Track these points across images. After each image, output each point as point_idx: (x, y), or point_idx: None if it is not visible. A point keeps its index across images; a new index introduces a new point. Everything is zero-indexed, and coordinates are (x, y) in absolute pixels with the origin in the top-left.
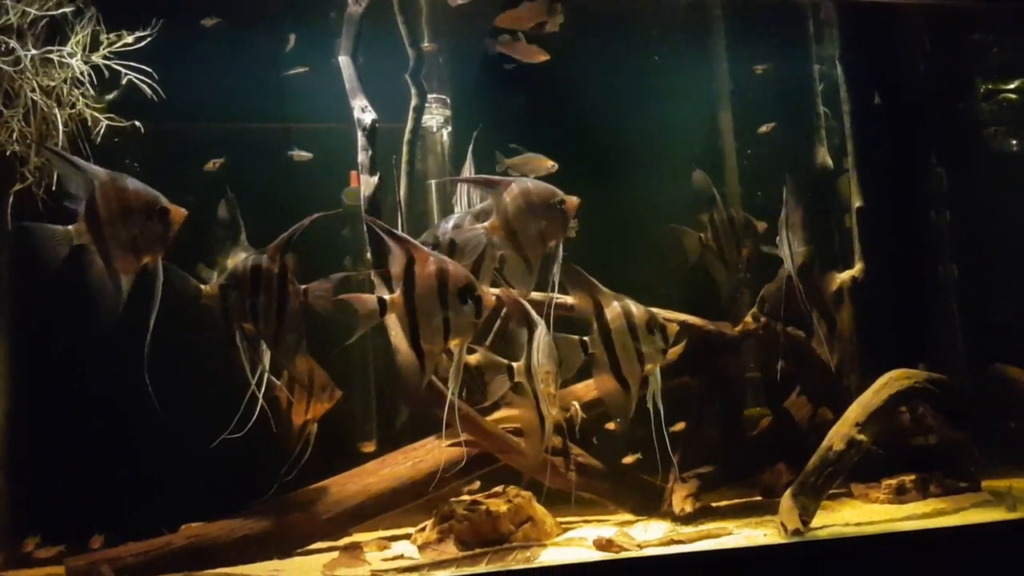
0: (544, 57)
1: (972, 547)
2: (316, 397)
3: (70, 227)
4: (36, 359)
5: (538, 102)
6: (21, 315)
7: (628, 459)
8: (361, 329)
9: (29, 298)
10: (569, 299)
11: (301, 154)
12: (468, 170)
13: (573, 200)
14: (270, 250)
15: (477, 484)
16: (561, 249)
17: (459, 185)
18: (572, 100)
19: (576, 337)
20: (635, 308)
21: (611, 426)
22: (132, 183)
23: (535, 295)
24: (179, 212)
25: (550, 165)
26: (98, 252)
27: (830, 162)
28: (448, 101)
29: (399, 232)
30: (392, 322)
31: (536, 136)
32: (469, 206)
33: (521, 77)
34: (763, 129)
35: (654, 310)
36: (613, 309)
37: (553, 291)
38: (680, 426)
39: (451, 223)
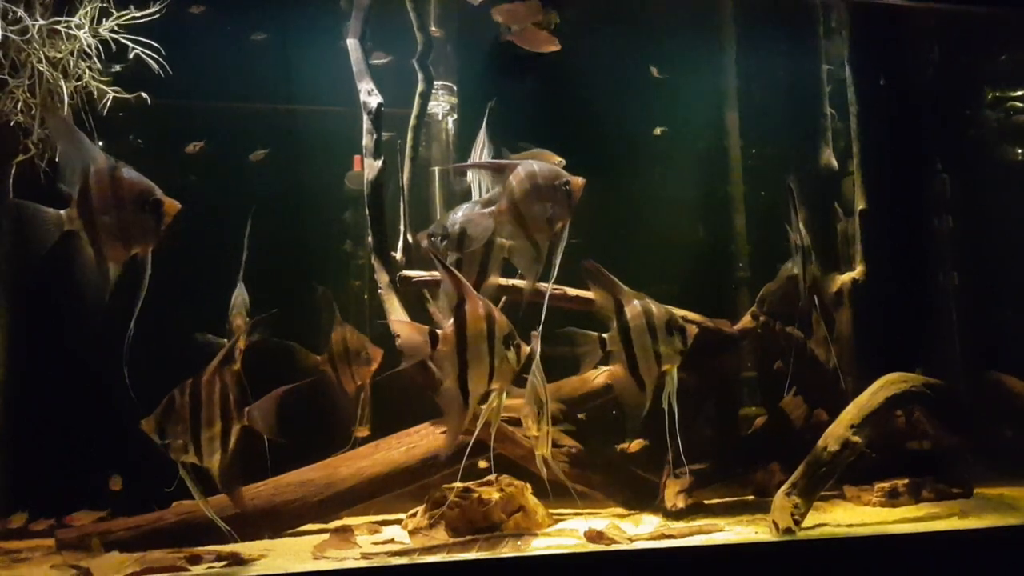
0: (556, 47)
1: (963, 552)
2: (356, 363)
3: (62, 212)
4: (34, 332)
5: (546, 90)
6: (20, 289)
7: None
8: (411, 360)
9: (27, 272)
10: (571, 290)
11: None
12: (480, 146)
13: (578, 181)
14: (209, 370)
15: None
16: (567, 232)
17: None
18: (578, 89)
19: (595, 334)
20: (655, 308)
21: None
22: (128, 172)
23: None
24: (172, 205)
25: (557, 161)
26: (88, 240)
27: (835, 163)
28: (454, 88)
29: (454, 270)
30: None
31: (542, 125)
32: (480, 185)
33: (529, 65)
34: (657, 131)
35: (674, 310)
36: (633, 308)
37: (553, 273)
38: (636, 445)
39: (460, 214)
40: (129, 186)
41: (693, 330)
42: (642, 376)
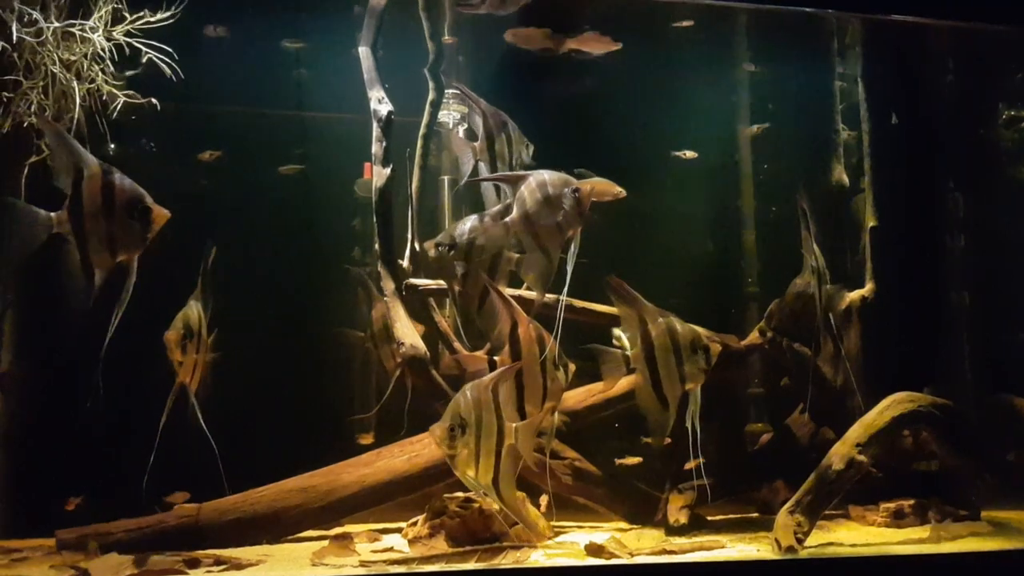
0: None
1: (967, 574)
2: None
3: (52, 214)
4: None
5: (560, 102)
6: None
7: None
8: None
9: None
10: (577, 302)
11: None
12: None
13: (586, 188)
14: None
15: None
16: (578, 239)
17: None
18: (589, 99)
19: (619, 351)
20: (680, 326)
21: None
22: (120, 178)
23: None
24: (161, 213)
25: (617, 191)
26: (76, 244)
27: (846, 180)
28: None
29: (508, 297)
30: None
31: (557, 136)
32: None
33: (541, 75)
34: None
35: (698, 329)
36: (658, 326)
37: (567, 282)
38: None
39: (468, 224)
40: (120, 192)
41: (717, 348)
42: (665, 394)
